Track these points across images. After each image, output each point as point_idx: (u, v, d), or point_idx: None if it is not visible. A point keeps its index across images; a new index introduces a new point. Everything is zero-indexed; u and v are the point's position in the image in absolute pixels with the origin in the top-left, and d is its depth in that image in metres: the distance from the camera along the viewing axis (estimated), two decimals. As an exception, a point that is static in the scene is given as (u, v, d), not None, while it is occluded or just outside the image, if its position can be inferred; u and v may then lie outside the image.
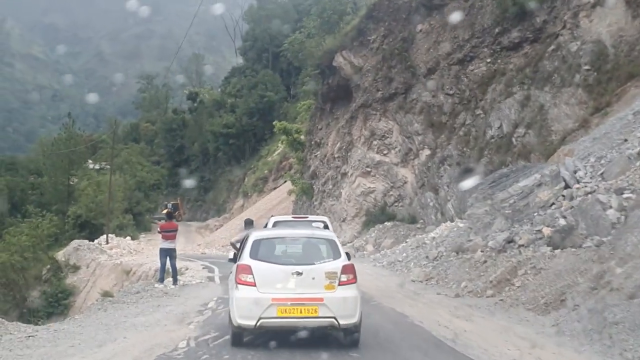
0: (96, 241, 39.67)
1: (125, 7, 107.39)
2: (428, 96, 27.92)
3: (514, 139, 23.13)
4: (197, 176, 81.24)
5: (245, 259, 9.24)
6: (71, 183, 54.90)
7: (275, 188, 56.68)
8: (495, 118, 24.41)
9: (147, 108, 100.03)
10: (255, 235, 9.69)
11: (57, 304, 31.42)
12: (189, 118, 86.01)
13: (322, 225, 14.26)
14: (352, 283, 9.16)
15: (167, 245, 17.58)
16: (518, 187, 18.19)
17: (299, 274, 8.92)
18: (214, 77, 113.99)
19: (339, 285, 9.01)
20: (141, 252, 39.30)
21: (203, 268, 24.38)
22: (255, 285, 8.94)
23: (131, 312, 13.37)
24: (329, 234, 10.06)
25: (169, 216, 18.90)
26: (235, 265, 9.78)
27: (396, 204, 29.73)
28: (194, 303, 14.44)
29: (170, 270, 18.16)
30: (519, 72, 23.86)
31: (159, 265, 18.62)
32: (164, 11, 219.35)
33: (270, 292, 8.88)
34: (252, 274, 8.99)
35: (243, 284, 9.01)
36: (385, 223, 28.52)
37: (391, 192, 29.92)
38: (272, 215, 17.77)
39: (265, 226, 14.95)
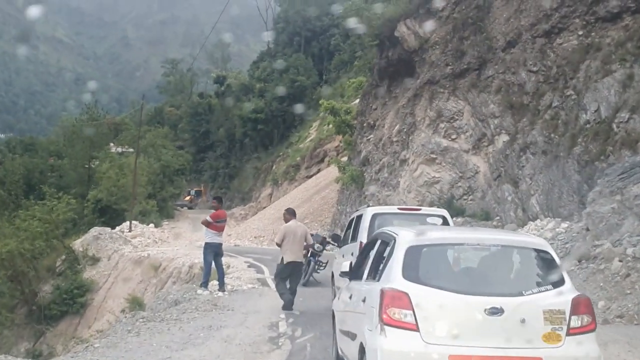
0: (118, 228, 36.18)
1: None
2: (507, 73, 24.14)
3: (614, 125, 19.60)
4: (222, 162, 78.81)
5: (397, 280, 5.25)
6: (92, 166, 51.55)
7: (308, 176, 53.11)
8: (590, 100, 20.89)
9: (171, 92, 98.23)
10: (408, 237, 5.59)
11: (72, 302, 27.27)
12: (215, 102, 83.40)
13: (440, 221, 10.30)
14: (590, 331, 5.20)
15: (217, 239, 13.74)
16: (657, 181, 14.95)
17: (498, 311, 4.99)
18: (238, 65, 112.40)
19: (568, 334, 5.08)
20: (167, 241, 35.71)
21: (248, 266, 20.26)
22: (417, 330, 5.02)
23: (175, 338, 9.32)
24: (538, 240, 5.88)
25: (220, 201, 14.59)
26: (373, 288, 5.66)
27: (465, 196, 25.82)
28: (257, 323, 10.43)
29: (216, 271, 14.23)
30: (619, 47, 20.30)
31: (196, 261, 14.79)
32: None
33: (446, 344, 5.00)
34: (412, 309, 5.05)
35: (395, 326, 5.06)
36: (455, 219, 24.57)
37: (459, 183, 26.03)
38: (367, 205, 13.51)
39: (357, 220, 10.91)
